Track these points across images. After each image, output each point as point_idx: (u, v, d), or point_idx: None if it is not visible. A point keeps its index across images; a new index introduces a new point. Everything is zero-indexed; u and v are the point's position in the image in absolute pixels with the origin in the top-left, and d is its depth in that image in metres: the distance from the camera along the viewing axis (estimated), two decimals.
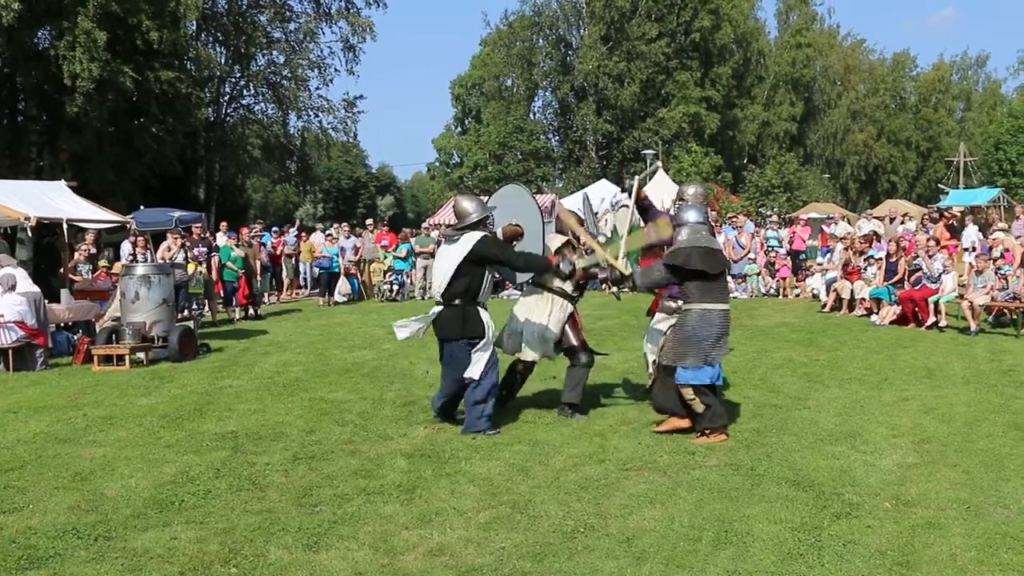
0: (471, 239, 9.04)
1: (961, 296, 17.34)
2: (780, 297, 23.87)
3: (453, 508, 6.77)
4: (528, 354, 10.13)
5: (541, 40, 68.19)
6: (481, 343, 9.11)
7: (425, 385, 11.79)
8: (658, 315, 10.37)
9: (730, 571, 5.55)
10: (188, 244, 19.34)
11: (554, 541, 6.09)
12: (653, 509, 6.68)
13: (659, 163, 11.66)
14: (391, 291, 25.52)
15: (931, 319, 17.27)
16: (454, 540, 6.13)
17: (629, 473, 7.61)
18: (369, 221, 30.12)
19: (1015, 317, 16.55)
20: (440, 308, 9.26)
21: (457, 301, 9.10)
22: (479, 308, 9.25)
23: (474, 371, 9.04)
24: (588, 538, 6.13)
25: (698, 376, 8.59)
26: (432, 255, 25.64)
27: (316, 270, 26.21)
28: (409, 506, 6.85)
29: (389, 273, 25.99)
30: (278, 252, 26.30)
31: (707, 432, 8.59)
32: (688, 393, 8.62)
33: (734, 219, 27.67)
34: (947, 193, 53.90)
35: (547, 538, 6.14)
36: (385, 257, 26.51)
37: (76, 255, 17.65)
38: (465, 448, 8.48)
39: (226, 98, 49.12)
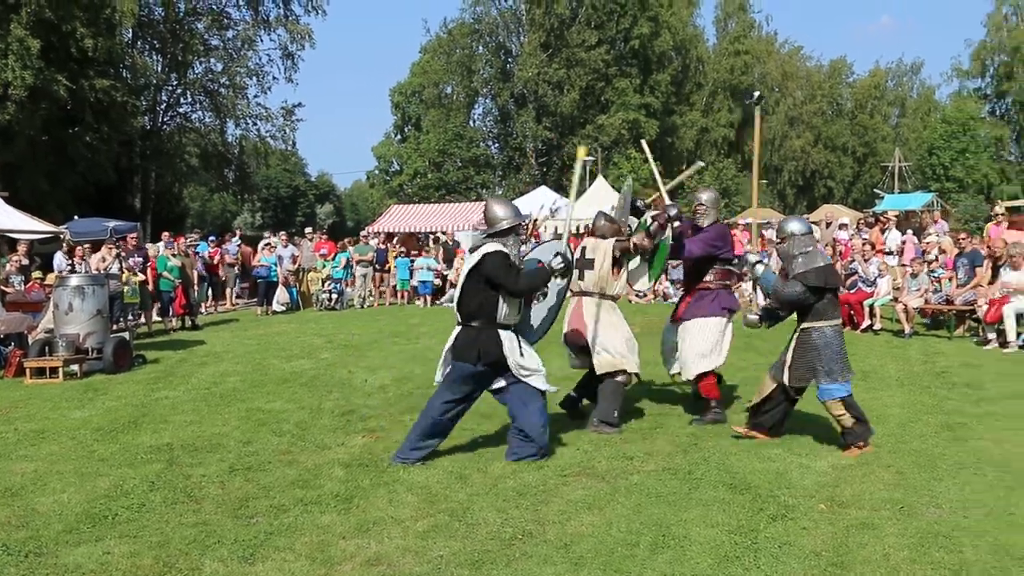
0: (482, 252, 8.24)
1: (895, 299, 17.57)
2: None
3: (391, 517, 6.75)
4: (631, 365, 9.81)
5: (481, 47, 68.17)
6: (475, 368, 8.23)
7: (363, 394, 11.80)
8: (688, 323, 10.23)
9: (667, 575, 5.59)
10: (123, 254, 19.12)
11: (492, 548, 6.08)
12: (591, 514, 6.70)
13: (700, 163, 11.10)
14: (330, 300, 25.39)
15: (866, 322, 17.49)
16: (392, 549, 6.12)
17: (567, 479, 7.63)
18: (308, 230, 29.95)
19: (948, 320, 16.79)
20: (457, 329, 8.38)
21: (474, 323, 8.18)
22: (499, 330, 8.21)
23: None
24: (526, 544, 6.14)
25: (846, 388, 8.52)
26: (370, 263, 25.64)
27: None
28: (347, 516, 6.82)
29: (327, 282, 25.84)
30: (215, 262, 26.03)
31: (860, 445, 8.38)
32: (838, 408, 8.46)
33: None
34: (882, 198, 54.64)
35: (485, 545, 6.14)
36: (324, 266, 26.36)
37: (8, 266, 17.37)
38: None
39: (163, 106, 48.73)
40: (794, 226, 8.96)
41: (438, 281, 26.52)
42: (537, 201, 37.37)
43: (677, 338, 10.30)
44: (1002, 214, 20.40)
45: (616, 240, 9.80)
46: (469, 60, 67.07)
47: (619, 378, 9.70)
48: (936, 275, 17.52)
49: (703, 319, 10.08)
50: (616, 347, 9.72)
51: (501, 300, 8.14)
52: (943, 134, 66.68)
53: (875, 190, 69.28)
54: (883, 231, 23.54)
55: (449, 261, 26.75)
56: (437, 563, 5.87)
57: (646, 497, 7.06)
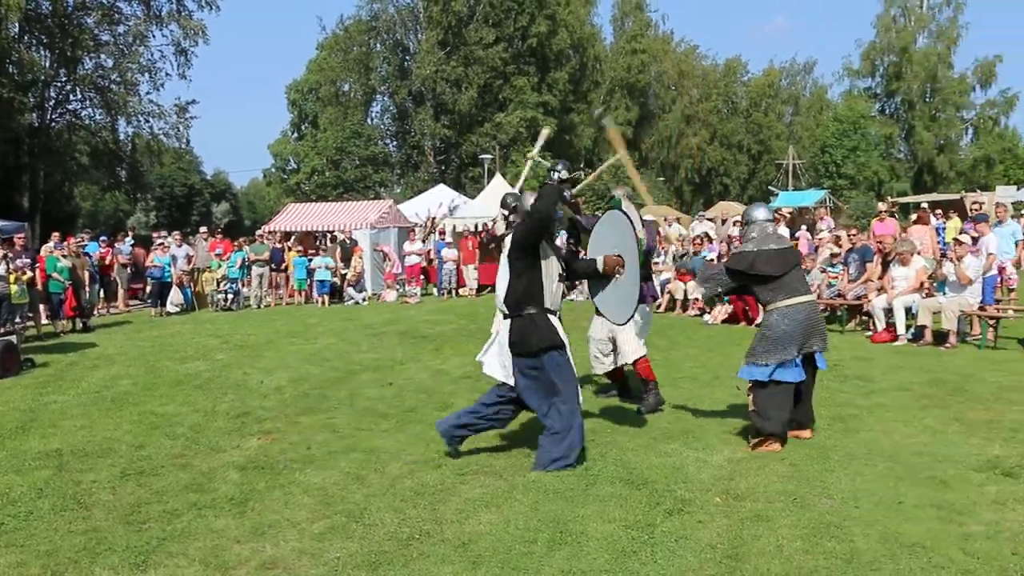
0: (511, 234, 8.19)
1: None
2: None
3: (287, 520, 6.68)
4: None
5: (378, 45, 67.83)
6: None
7: (259, 396, 11.64)
8: (596, 320, 10.68)
9: (565, 571, 5.59)
10: (10, 255, 18.61)
11: (389, 549, 6.04)
12: (489, 513, 6.68)
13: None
14: (225, 300, 25.02)
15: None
16: (287, 552, 6.04)
17: (465, 477, 7.60)
18: (203, 229, 29.47)
19: (840, 314, 17.08)
20: (505, 321, 8.16)
21: (523, 309, 7.87)
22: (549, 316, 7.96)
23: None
24: (424, 544, 6.10)
25: (762, 372, 8.48)
26: (267, 262, 25.31)
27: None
28: (241, 519, 6.72)
29: (223, 282, 25.46)
30: (107, 262, 25.47)
31: (760, 442, 8.34)
32: (751, 393, 8.57)
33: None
34: (777, 195, 55.54)
35: (382, 546, 6.09)
36: (219, 266, 25.97)
37: None
38: (300, 459, 8.37)
39: (51, 103, 47.45)
40: (757, 213, 9.16)
41: (336, 280, 26.30)
42: (436, 199, 37.31)
43: (606, 331, 10.55)
44: (886, 211, 20.82)
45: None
46: (366, 57, 66.70)
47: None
48: (836, 270, 17.77)
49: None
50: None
51: (545, 283, 7.95)
52: (835, 132, 68.03)
53: (770, 187, 70.43)
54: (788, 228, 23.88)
55: (347, 260, 26.53)
56: (333, 565, 5.81)
57: (544, 494, 7.05)
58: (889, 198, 48.70)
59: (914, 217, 20.68)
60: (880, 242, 17.38)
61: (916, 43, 74.67)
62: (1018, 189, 49.03)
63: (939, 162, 73.69)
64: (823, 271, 17.79)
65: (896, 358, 13.44)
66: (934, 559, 5.62)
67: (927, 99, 75.69)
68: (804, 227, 25.70)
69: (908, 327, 15.16)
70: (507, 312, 8.06)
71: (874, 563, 5.59)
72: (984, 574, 5.42)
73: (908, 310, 15.21)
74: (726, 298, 18.44)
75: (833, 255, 18.04)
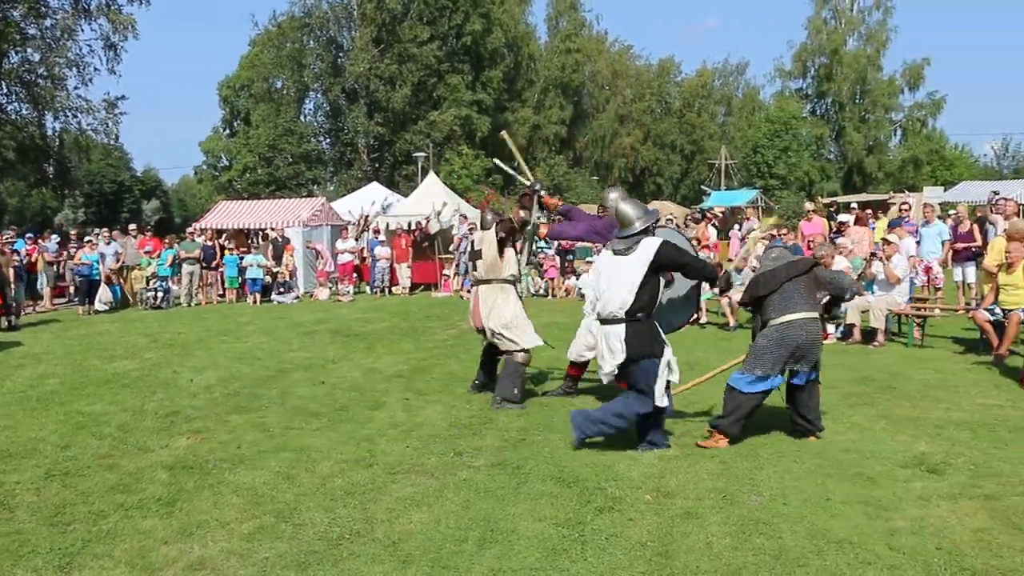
0: (652, 245, 8.36)
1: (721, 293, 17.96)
2: (549, 297, 24.24)
3: (215, 520, 6.61)
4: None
5: (311, 41, 67.31)
6: (663, 360, 8.34)
7: (189, 395, 11.51)
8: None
9: (495, 569, 5.59)
10: None
11: (319, 549, 6.00)
12: (420, 512, 6.66)
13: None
14: (155, 299, 24.68)
15: (692, 315, 17.82)
16: (215, 553, 5.98)
17: (397, 477, 7.58)
18: (132, 226, 29.06)
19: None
20: (613, 327, 8.34)
21: (640, 315, 8.25)
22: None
23: (659, 392, 8.28)
24: (354, 544, 6.07)
25: (745, 381, 8.60)
26: (198, 260, 25.01)
27: None
28: (169, 520, 6.64)
29: (153, 280, 25.14)
30: (33, 259, 25.03)
31: (714, 439, 8.46)
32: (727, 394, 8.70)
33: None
34: (709, 194, 55.96)
35: (312, 546, 6.06)
36: (148, 264, 25.63)
37: None
38: (229, 458, 8.29)
39: None
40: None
41: (268, 279, 26.09)
42: (369, 197, 37.18)
43: None
44: (813, 211, 21.08)
45: (497, 224, 10.66)
46: (299, 54, 66.17)
47: (518, 357, 10.58)
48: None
49: None
50: (508, 327, 10.62)
51: (662, 291, 8.58)
52: (767, 133, 68.60)
53: (702, 187, 70.94)
54: (711, 226, 24.04)
55: (279, 258, 26.35)
56: (262, 565, 5.76)
57: (475, 493, 7.05)
58: (819, 198, 49.26)
59: (845, 217, 20.92)
60: (810, 241, 17.58)
61: (846, 45, 75.54)
62: (945, 190, 49.84)
63: (868, 163, 74.66)
64: (754, 271, 17.92)
65: (825, 356, 13.55)
66: (860, 555, 5.69)
67: (857, 101, 76.60)
68: (736, 227, 25.92)
69: (837, 326, 15.34)
70: (621, 317, 8.26)
71: (801, 559, 5.64)
72: (909, 569, 5.49)
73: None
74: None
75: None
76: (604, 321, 8.42)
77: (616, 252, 8.56)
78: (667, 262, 8.41)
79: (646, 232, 8.52)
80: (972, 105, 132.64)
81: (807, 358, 8.68)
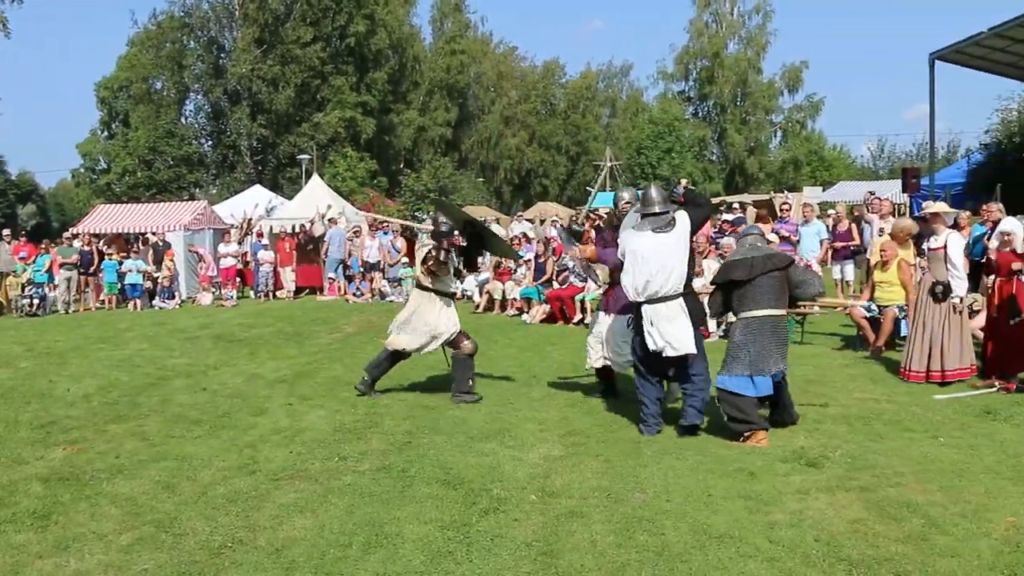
0: (683, 215, 8.94)
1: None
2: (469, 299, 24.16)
3: (93, 532, 6.46)
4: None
5: (192, 42, 66.16)
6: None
7: (65, 404, 11.23)
8: (602, 315, 10.66)
9: (380, 574, 5.58)
10: None
11: (200, 559, 5.91)
12: (304, 518, 6.60)
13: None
14: (31, 306, 24.00)
15: (578, 316, 17.97)
16: (93, 566, 5.86)
17: (280, 483, 7.49)
18: (6, 232, 28.24)
19: None
20: (673, 301, 8.79)
21: (685, 288, 8.82)
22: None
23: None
24: (236, 552, 5.99)
25: (733, 383, 8.66)
26: (75, 266, 24.40)
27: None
28: (44, 533, 6.47)
29: (28, 287, 24.45)
30: None
31: (745, 437, 8.51)
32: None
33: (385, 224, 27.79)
34: (595, 195, 56.36)
35: (193, 556, 5.96)
36: (23, 270, 24.95)
37: None
38: (108, 468, 8.11)
39: None
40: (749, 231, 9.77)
41: (148, 284, 25.57)
42: (252, 200, 36.71)
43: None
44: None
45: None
46: (179, 55, 64.96)
47: (464, 350, 11.00)
48: None
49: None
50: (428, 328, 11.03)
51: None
52: (650, 134, 69.27)
53: (588, 188, 71.41)
54: (595, 227, 24.20)
55: (159, 263, 25.85)
56: None
57: (359, 497, 7.00)
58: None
59: (728, 217, 21.24)
60: (693, 241, 17.78)
61: (727, 48, 76.61)
62: (824, 190, 50.90)
63: (750, 163, 75.83)
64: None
65: (708, 355, 13.75)
66: (741, 548, 5.78)
67: (738, 103, 77.76)
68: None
69: (719, 324, 15.55)
70: (680, 291, 8.78)
71: (684, 555, 5.71)
72: (788, 560, 5.60)
73: None
74: (542, 297, 18.63)
75: None
76: (661, 299, 8.72)
77: (656, 230, 8.86)
78: (695, 226, 9.06)
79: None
80: (849, 107, 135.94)
81: (776, 357, 8.78)
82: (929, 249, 11.48)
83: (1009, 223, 11.05)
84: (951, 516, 6.26)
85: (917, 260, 12.59)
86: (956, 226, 14.94)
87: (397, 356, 11.29)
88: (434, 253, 10.88)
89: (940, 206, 12.06)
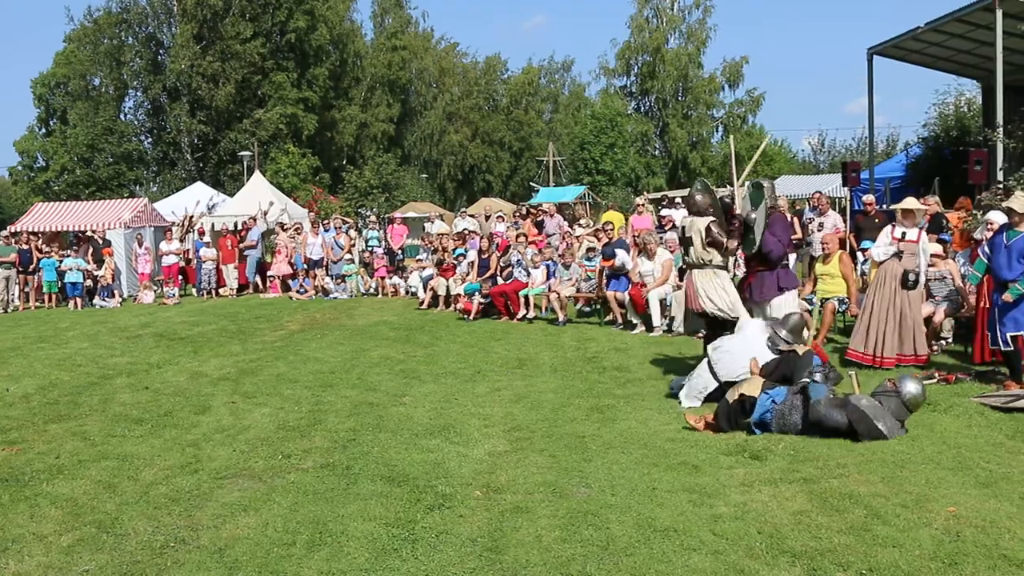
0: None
1: (550, 288, 18.11)
2: (379, 296, 24.09)
3: (32, 533, 6.39)
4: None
5: (130, 38, 65.44)
6: None
7: (4, 404, 11.09)
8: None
9: (324, 572, 5.55)
10: None
11: (142, 559, 5.86)
12: (247, 516, 6.56)
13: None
14: None
15: (522, 311, 17.97)
16: (32, 567, 5.79)
17: (223, 482, 7.44)
18: None
19: (598, 307, 17.49)
20: None
21: None
22: None
23: None
24: (179, 552, 5.94)
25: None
26: (14, 264, 24.06)
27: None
28: None
29: None
30: None
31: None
32: None
33: (327, 222, 27.72)
34: (538, 191, 56.47)
35: (135, 556, 5.91)
36: None
37: None
38: (47, 469, 8.02)
39: None
40: None
41: (89, 282, 25.26)
42: (193, 197, 36.41)
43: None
44: (642, 205, 21.48)
45: (709, 224, 10.81)
46: (117, 51, 64.20)
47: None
48: (593, 264, 18.12)
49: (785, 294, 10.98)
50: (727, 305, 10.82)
51: None
52: (593, 129, 69.43)
53: (531, 183, 71.54)
54: (537, 223, 24.28)
55: (100, 261, 25.54)
56: None
57: (303, 495, 6.98)
58: (646, 193, 50.19)
59: (667, 212, 21.39)
60: (637, 235, 17.90)
61: (668, 43, 76.91)
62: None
63: (692, 158, 76.15)
64: (581, 265, 18.15)
65: (652, 348, 13.84)
66: (686, 542, 5.82)
67: (679, 98, 78.09)
68: (565, 223, 26.24)
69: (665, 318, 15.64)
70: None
71: (629, 548, 5.74)
72: (732, 553, 5.64)
73: (663, 301, 15.68)
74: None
75: (590, 249, 18.45)
76: None
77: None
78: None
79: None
80: (790, 102, 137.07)
81: None
82: (905, 239, 11.66)
83: (994, 215, 11.20)
84: (893, 507, 6.33)
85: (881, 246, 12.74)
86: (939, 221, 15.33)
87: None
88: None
89: (912, 202, 12.27)
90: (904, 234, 11.71)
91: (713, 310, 10.74)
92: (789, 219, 12.78)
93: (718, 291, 10.77)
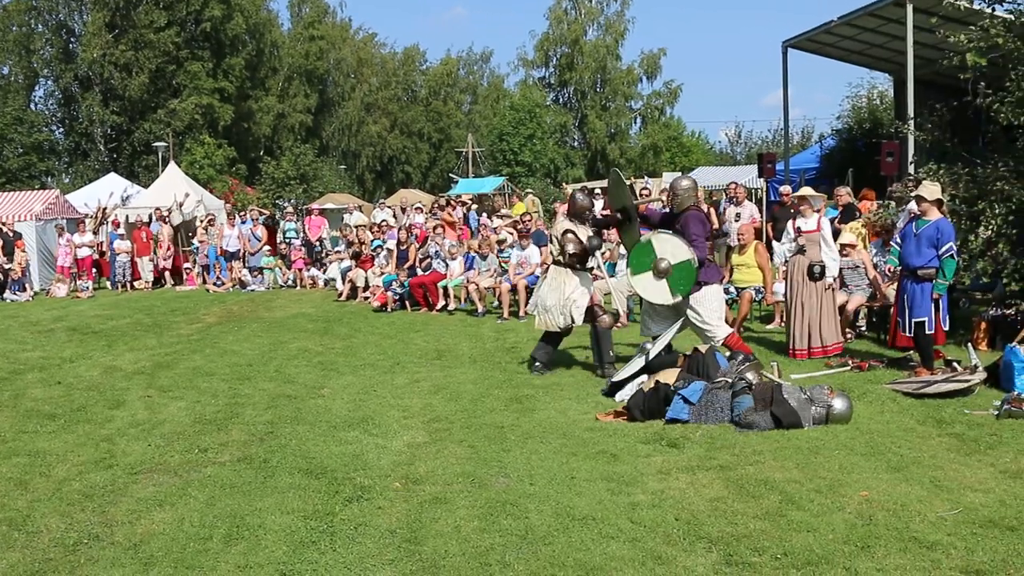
0: None
1: (469, 280, 18.11)
2: (297, 288, 23.93)
3: None
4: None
5: (40, 25, 64.22)
6: None
7: None
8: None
9: (241, 566, 5.49)
10: None
11: (55, 556, 5.75)
12: (162, 512, 6.48)
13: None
14: None
15: (441, 302, 17.96)
16: None
17: (138, 477, 7.33)
18: None
19: (516, 297, 17.52)
20: None
21: None
22: None
23: None
24: (92, 549, 5.85)
25: None
26: None
27: None
28: None
29: None
30: None
31: None
32: None
33: (244, 213, 27.48)
34: (457, 182, 56.42)
35: (47, 554, 5.81)
36: None
37: None
38: None
39: None
40: None
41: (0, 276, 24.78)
42: (107, 188, 35.79)
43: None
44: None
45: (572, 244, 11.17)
46: (27, 39, 62.94)
47: (603, 323, 11.31)
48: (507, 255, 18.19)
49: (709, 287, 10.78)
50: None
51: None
52: (512, 121, 69.54)
53: (451, 175, 71.46)
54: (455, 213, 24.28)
55: (10, 255, 25.01)
56: None
57: (220, 489, 6.90)
58: (565, 184, 50.38)
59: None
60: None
61: (586, 35, 77.29)
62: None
63: (611, 149, 76.55)
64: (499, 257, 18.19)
65: (572, 338, 13.88)
66: (604, 529, 5.86)
67: (598, 89, 78.50)
68: (484, 214, 26.28)
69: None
70: None
71: (547, 537, 5.76)
72: (650, 540, 5.68)
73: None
74: (406, 283, 18.59)
75: (500, 242, 18.54)
76: None
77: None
78: None
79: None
80: (707, 94, 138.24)
81: None
82: (802, 231, 11.82)
83: (914, 205, 11.40)
84: (807, 492, 6.43)
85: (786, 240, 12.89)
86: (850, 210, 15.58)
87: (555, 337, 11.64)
88: (579, 247, 11.18)
89: (807, 191, 12.47)
90: (799, 228, 11.91)
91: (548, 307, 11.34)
92: (706, 210, 12.93)
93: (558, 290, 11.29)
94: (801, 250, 11.84)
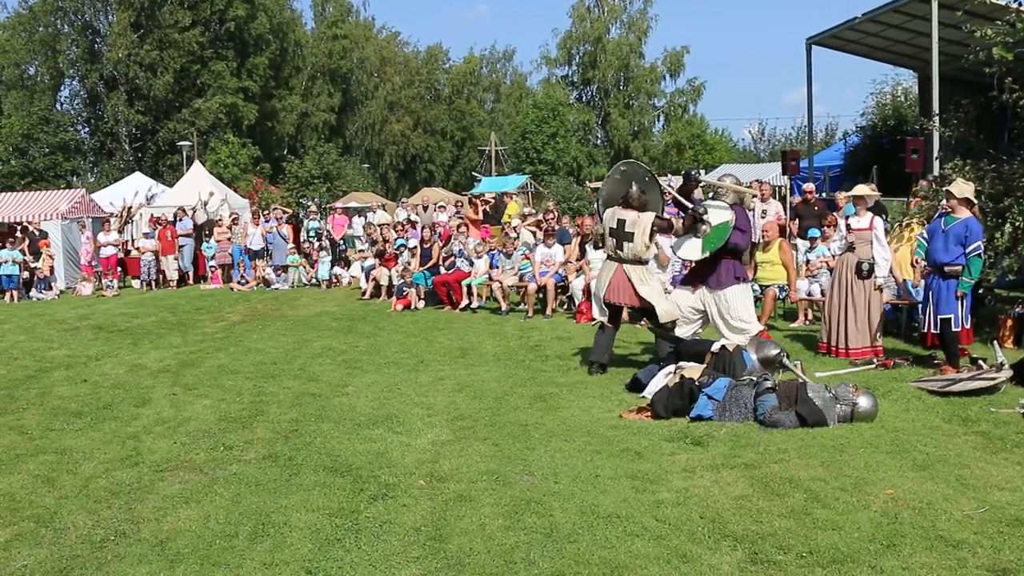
0: None
1: (491, 278, 18.12)
2: (321, 287, 23.97)
3: None
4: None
5: (66, 26, 64.59)
6: None
7: None
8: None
9: (267, 563, 5.50)
10: None
11: (82, 553, 5.78)
12: (188, 509, 6.50)
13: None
14: None
15: (464, 301, 17.97)
16: None
17: (164, 474, 7.36)
18: None
19: (541, 296, 17.52)
20: None
21: None
22: None
23: None
24: (119, 546, 5.87)
25: None
26: None
27: None
28: None
29: None
30: None
31: None
32: None
33: (268, 212, 27.57)
34: (480, 180, 56.46)
35: (75, 551, 5.83)
36: None
37: None
38: None
39: None
40: None
41: (26, 274, 24.89)
42: (132, 188, 35.97)
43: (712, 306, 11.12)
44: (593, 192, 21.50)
45: (656, 218, 11.18)
46: (53, 39, 63.34)
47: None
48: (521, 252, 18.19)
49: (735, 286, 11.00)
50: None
51: None
52: (534, 119, 69.56)
53: (474, 173, 71.54)
54: (484, 213, 24.27)
55: (36, 253, 25.16)
56: (21, 573, 5.51)
57: (246, 487, 6.92)
58: (588, 183, 50.25)
59: None
60: (579, 225, 17.96)
61: (609, 33, 77.24)
62: (706, 173, 51.60)
63: (634, 147, 76.48)
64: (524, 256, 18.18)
65: (589, 338, 13.86)
66: (629, 527, 5.85)
67: (621, 87, 78.44)
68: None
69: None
70: None
71: (572, 535, 5.75)
72: (674, 538, 5.67)
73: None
74: (429, 282, 18.60)
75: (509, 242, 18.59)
76: None
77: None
78: None
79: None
80: (730, 91, 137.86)
81: None
82: (852, 228, 11.75)
83: None
84: (832, 490, 6.41)
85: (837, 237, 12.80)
86: (879, 208, 15.41)
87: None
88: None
89: (862, 189, 12.35)
90: (850, 225, 11.84)
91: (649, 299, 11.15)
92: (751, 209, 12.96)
93: (649, 283, 11.26)
94: (851, 247, 11.76)
